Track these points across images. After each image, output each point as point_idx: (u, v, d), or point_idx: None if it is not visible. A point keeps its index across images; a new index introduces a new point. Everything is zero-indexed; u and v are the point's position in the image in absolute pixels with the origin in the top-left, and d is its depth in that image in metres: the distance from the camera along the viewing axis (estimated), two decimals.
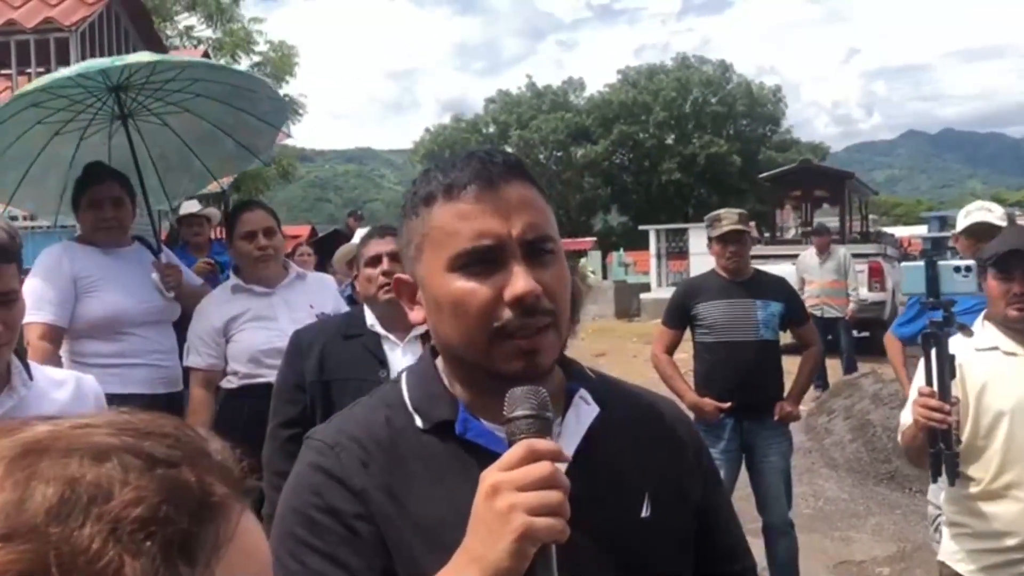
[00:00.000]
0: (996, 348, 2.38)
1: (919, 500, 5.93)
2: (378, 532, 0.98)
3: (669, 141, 40.88)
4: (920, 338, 2.30)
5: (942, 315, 2.25)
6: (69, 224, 3.65)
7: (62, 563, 0.43)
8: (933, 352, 2.24)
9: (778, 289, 4.31)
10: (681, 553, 1.10)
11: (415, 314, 1.08)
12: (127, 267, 3.35)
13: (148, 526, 0.45)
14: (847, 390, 8.30)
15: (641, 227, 20.99)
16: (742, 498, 4.64)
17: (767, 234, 15.52)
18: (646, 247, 19.16)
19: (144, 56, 3.40)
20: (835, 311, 9.43)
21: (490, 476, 0.88)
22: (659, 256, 18.53)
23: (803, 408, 4.82)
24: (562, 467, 0.89)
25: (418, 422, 1.05)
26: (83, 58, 6.56)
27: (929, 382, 2.25)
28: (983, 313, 2.48)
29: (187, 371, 3.35)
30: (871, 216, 19.32)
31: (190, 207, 6.26)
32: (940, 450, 2.26)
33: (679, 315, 4.28)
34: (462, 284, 0.99)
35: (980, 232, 3.63)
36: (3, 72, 7.10)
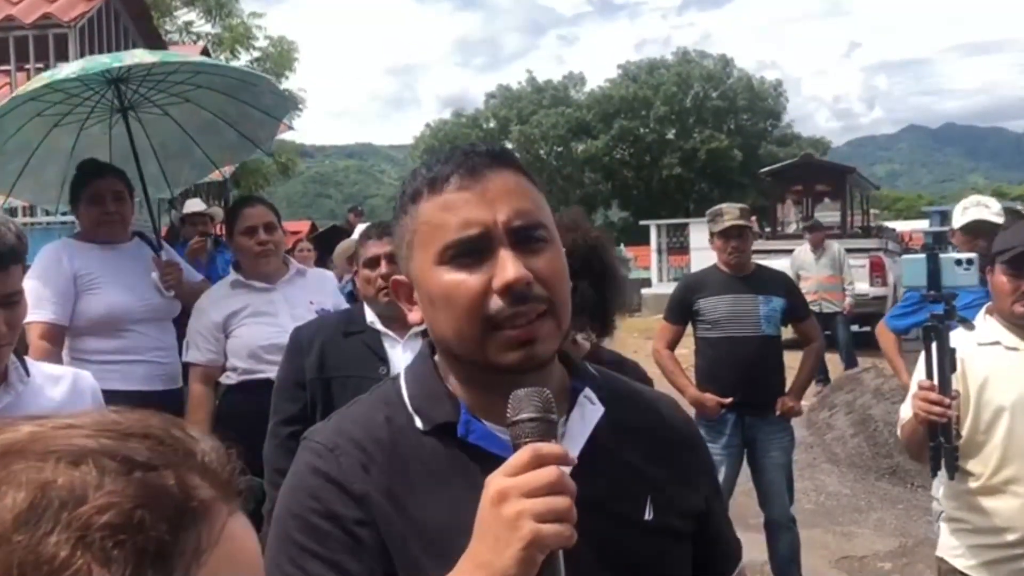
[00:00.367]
0: (998, 343, 2.37)
1: (921, 495, 5.93)
2: (380, 538, 0.96)
3: (670, 136, 40.80)
4: (921, 331, 2.29)
5: (943, 308, 2.24)
6: (69, 220, 3.64)
7: (24, 571, 0.41)
8: (934, 345, 2.23)
9: (780, 284, 4.30)
10: (681, 556, 1.09)
11: (413, 314, 1.06)
12: (127, 264, 3.34)
13: (119, 533, 0.43)
14: (848, 385, 8.30)
15: (642, 222, 20.98)
16: (744, 493, 4.64)
17: (768, 229, 15.51)
18: (647, 242, 19.14)
19: (145, 56, 3.37)
20: (833, 306, 9.45)
21: (496, 482, 0.86)
22: (660, 251, 18.52)
23: (804, 403, 4.82)
24: (566, 470, 0.87)
25: (418, 423, 1.03)
26: (82, 54, 6.54)
27: (929, 375, 2.24)
28: (985, 307, 2.47)
29: (186, 367, 3.34)
30: (872, 211, 19.30)
31: (194, 206, 6.25)
32: (940, 444, 2.25)
33: (681, 310, 4.27)
34: (451, 276, 0.98)
35: (978, 229, 3.63)
36: (2, 68, 7.08)
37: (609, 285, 2.08)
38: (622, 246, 25.48)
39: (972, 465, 2.36)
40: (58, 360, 3.05)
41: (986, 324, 2.41)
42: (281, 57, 19.45)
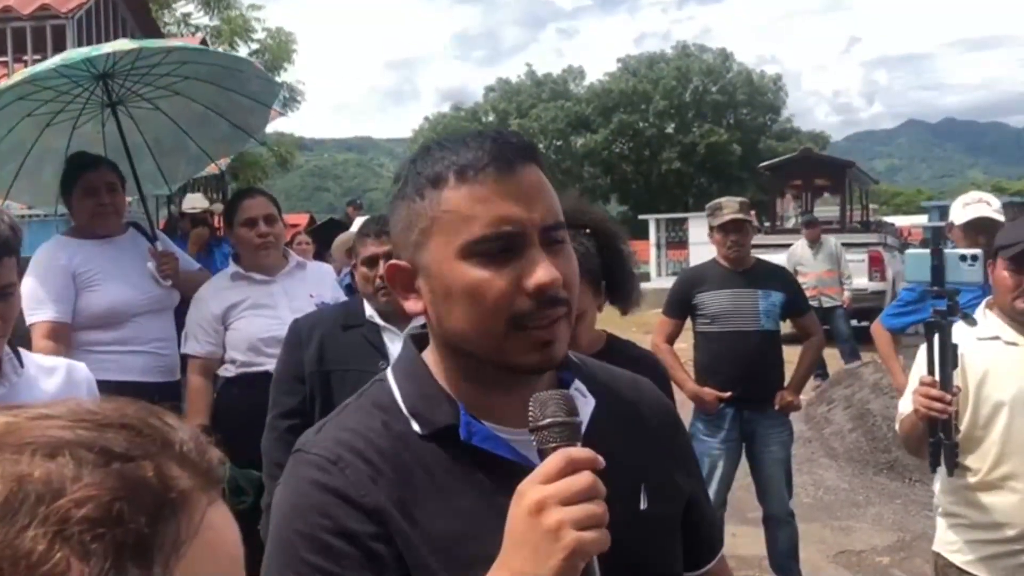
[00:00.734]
0: (998, 338, 2.36)
1: (919, 490, 5.93)
2: (397, 552, 0.92)
3: (669, 130, 40.76)
4: (924, 326, 2.28)
5: (946, 304, 2.23)
6: (65, 212, 3.62)
7: (1, 568, 0.41)
8: (936, 341, 2.22)
9: (779, 279, 4.29)
10: (675, 544, 1.09)
11: (412, 304, 1.00)
12: (124, 257, 3.32)
13: (97, 527, 0.43)
14: (847, 380, 8.30)
15: (641, 216, 20.97)
16: (742, 488, 4.64)
17: (767, 223, 15.50)
18: (646, 237, 19.14)
19: (125, 44, 3.34)
20: (832, 300, 9.46)
21: (532, 491, 0.83)
22: (659, 246, 18.52)
23: (803, 398, 4.81)
24: None
25: (416, 428, 0.98)
26: (80, 46, 6.51)
27: (931, 371, 2.23)
28: (985, 301, 2.46)
29: (185, 358, 3.33)
30: (871, 206, 19.30)
31: (195, 201, 6.24)
32: (939, 439, 2.25)
33: (680, 305, 4.27)
34: (478, 272, 0.93)
35: (979, 227, 3.61)
36: (0, 59, 7.06)
37: (626, 261, 2.24)
38: None
39: (970, 460, 2.36)
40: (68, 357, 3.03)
41: (986, 318, 2.40)
42: (279, 49, 19.41)
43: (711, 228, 4.21)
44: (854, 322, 10.32)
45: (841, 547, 5.17)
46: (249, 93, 3.71)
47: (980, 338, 2.35)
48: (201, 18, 19.02)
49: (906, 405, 2.40)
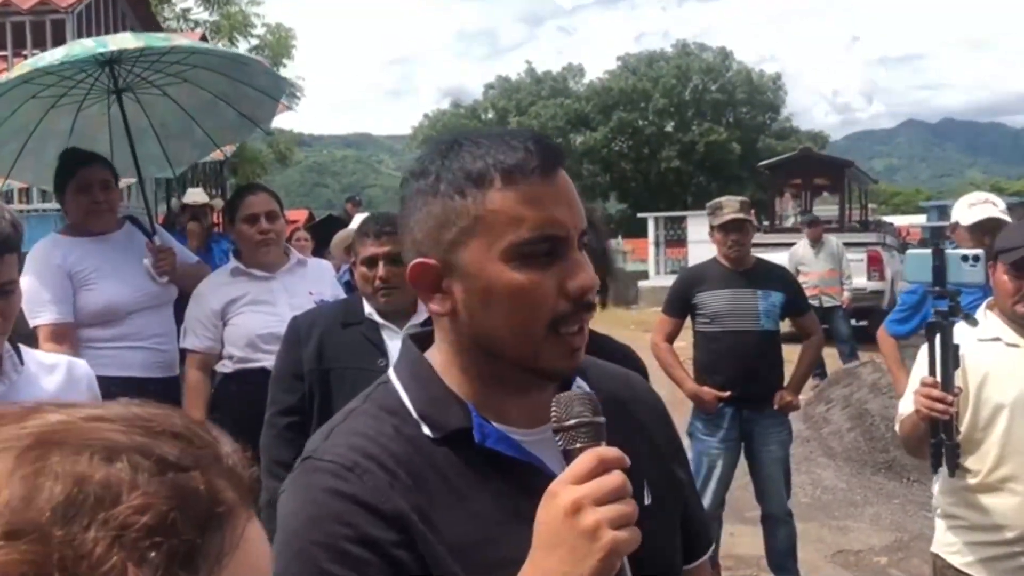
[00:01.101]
0: (998, 339, 2.36)
1: (917, 490, 5.94)
2: (420, 558, 0.91)
3: (668, 128, 40.76)
4: (925, 326, 2.28)
5: (947, 304, 2.22)
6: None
7: (64, 567, 0.41)
8: (937, 341, 2.21)
9: (779, 279, 4.29)
10: (677, 537, 1.10)
11: (436, 304, 0.97)
12: (120, 254, 3.30)
13: (154, 535, 0.43)
14: (845, 379, 8.31)
15: (640, 215, 20.96)
16: (740, 487, 4.64)
17: (766, 222, 15.50)
18: (644, 235, 19.14)
19: (130, 41, 3.31)
20: (833, 300, 9.45)
21: (565, 492, 0.83)
22: (657, 244, 18.52)
23: (801, 397, 4.81)
24: None
25: (426, 431, 0.97)
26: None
27: (932, 371, 2.23)
28: (986, 302, 2.45)
29: (183, 353, 3.32)
30: (870, 205, 19.31)
31: (196, 195, 6.22)
32: (941, 440, 2.24)
33: (680, 304, 4.26)
34: (524, 275, 0.92)
35: (988, 228, 3.57)
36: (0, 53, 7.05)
37: (612, 257, 2.25)
38: (619, 238, 25.50)
39: (970, 462, 2.35)
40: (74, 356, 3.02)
41: (987, 319, 2.39)
42: (279, 45, 19.40)
43: (711, 227, 4.20)
44: (852, 322, 10.33)
45: (839, 547, 5.17)
46: (257, 86, 3.70)
47: (981, 339, 2.35)
48: (201, 13, 19.02)
49: (906, 406, 2.40)
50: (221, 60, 3.64)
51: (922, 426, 2.28)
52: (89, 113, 3.71)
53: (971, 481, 2.36)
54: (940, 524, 2.51)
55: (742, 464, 4.30)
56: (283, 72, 18.53)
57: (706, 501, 4.17)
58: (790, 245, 10.10)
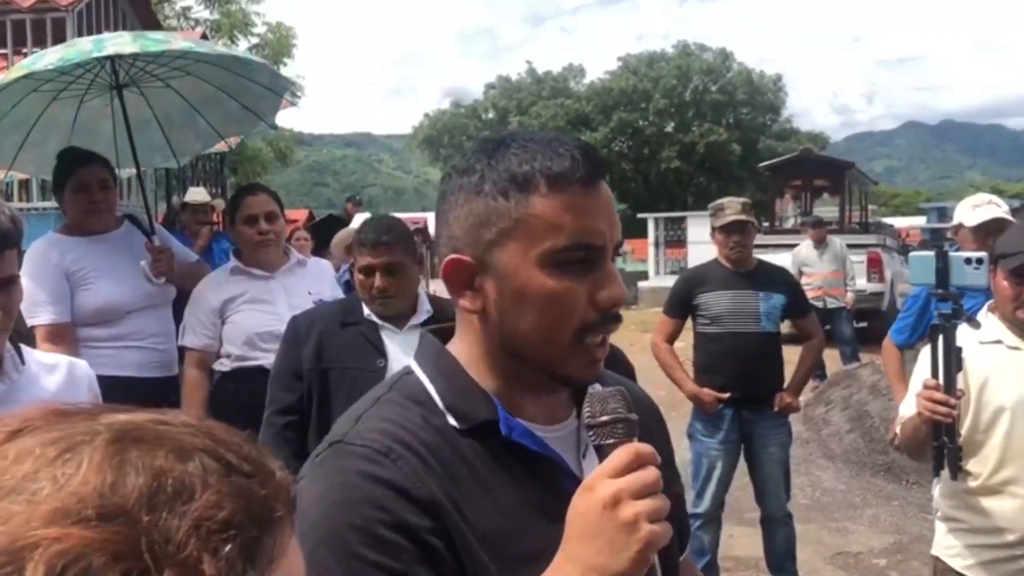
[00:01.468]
0: (1000, 342, 2.35)
1: (916, 492, 5.93)
2: (453, 546, 0.91)
3: (669, 129, 40.75)
4: (928, 329, 2.27)
5: (951, 307, 2.21)
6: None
7: (153, 548, 0.44)
8: (940, 344, 2.21)
9: (781, 281, 4.28)
10: (672, 536, 1.11)
11: (467, 302, 0.98)
12: (117, 254, 3.29)
13: (227, 529, 0.46)
14: (845, 381, 8.30)
15: (639, 215, 20.95)
16: (739, 488, 4.64)
17: (766, 223, 15.50)
18: (644, 235, 19.12)
19: (126, 46, 3.29)
20: (836, 302, 9.43)
21: (603, 485, 0.85)
22: (657, 244, 18.51)
23: (801, 399, 4.81)
24: None
25: (452, 422, 0.98)
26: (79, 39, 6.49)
27: (935, 374, 2.22)
28: (987, 304, 2.45)
29: (182, 351, 3.31)
30: (870, 206, 19.31)
31: (197, 194, 6.21)
32: (943, 443, 2.24)
33: (681, 305, 4.26)
34: (559, 281, 0.94)
35: (993, 229, 3.54)
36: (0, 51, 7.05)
37: None
38: None
39: (971, 465, 2.34)
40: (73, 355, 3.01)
41: (988, 322, 2.39)
42: (279, 44, 19.40)
43: (713, 229, 4.19)
44: (853, 323, 10.32)
45: (838, 548, 5.17)
46: (259, 81, 3.70)
47: (982, 342, 2.34)
48: (201, 12, 19.01)
49: (906, 409, 2.39)
50: (221, 58, 3.64)
51: (923, 429, 2.28)
52: (92, 105, 3.71)
53: (972, 484, 2.36)
54: (941, 527, 2.50)
55: (741, 465, 4.30)
56: (283, 71, 18.53)
57: (705, 502, 4.17)
58: (790, 246, 10.08)
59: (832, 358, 9.32)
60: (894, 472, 6.45)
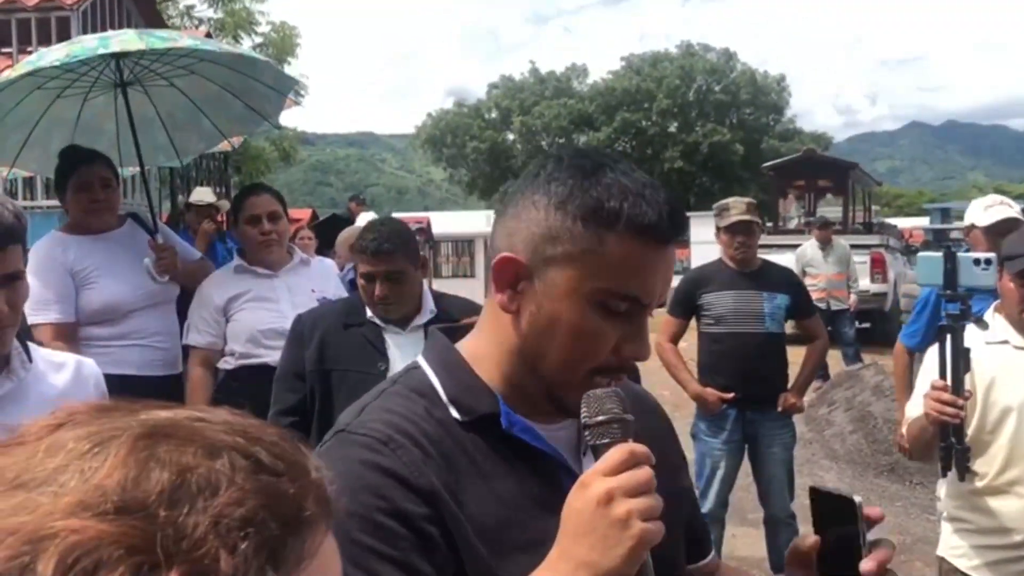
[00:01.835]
0: (1006, 342, 2.35)
1: (919, 492, 5.93)
2: (449, 535, 0.93)
3: (672, 129, 40.71)
4: (936, 329, 2.27)
5: (959, 308, 2.21)
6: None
7: (166, 545, 0.44)
8: (948, 345, 2.21)
9: (785, 282, 4.28)
10: (679, 542, 1.14)
11: (505, 299, 0.99)
12: (121, 252, 3.29)
13: (246, 527, 0.47)
14: (848, 381, 8.29)
15: None
16: (743, 488, 4.63)
17: (769, 224, 15.49)
18: None
19: (131, 44, 3.29)
20: (840, 303, 9.42)
21: (597, 482, 0.86)
22: None
23: (805, 399, 4.80)
24: None
25: (455, 414, 1.00)
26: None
27: (943, 375, 2.22)
28: (994, 305, 2.45)
29: (186, 350, 3.32)
30: (873, 207, 19.29)
31: (203, 195, 6.22)
32: (951, 444, 2.23)
33: (685, 305, 4.26)
34: (595, 320, 0.96)
35: (1006, 229, 3.53)
36: (4, 50, 7.05)
37: None
38: None
39: (977, 465, 2.34)
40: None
41: (995, 322, 2.39)
42: (283, 43, 19.39)
43: (718, 229, 4.19)
44: (856, 324, 10.32)
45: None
46: (264, 80, 3.71)
47: (989, 342, 2.34)
48: (205, 11, 19.02)
49: (912, 410, 2.39)
50: (226, 57, 3.65)
51: (930, 430, 2.28)
52: (95, 103, 3.71)
53: (978, 484, 2.35)
54: (946, 527, 2.50)
55: (745, 466, 4.30)
56: (287, 70, 18.53)
57: (709, 502, 4.17)
58: (793, 247, 10.07)
59: (835, 359, 9.32)
60: (897, 473, 6.44)
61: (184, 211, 6.60)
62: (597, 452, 0.90)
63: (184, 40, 3.40)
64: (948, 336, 2.21)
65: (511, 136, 41.97)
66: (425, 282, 2.82)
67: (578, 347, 0.96)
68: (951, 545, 2.46)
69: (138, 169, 3.86)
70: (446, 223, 25.63)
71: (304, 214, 16.50)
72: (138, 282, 3.27)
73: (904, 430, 2.51)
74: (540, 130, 40.78)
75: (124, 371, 3.08)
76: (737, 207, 4.13)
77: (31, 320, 3.07)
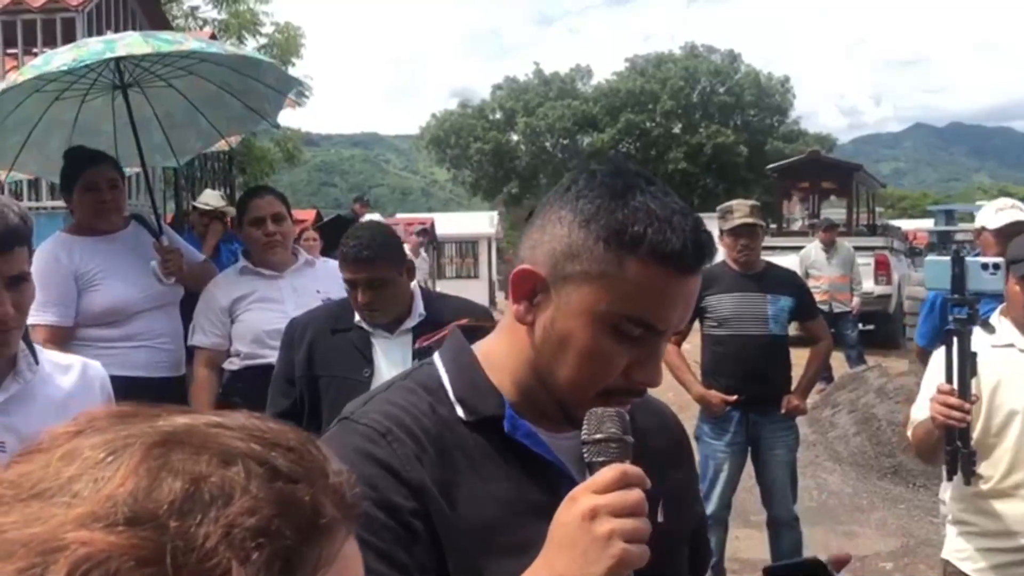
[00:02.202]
0: (1012, 345, 2.35)
1: (923, 495, 5.92)
2: (434, 531, 0.94)
3: (676, 130, 40.69)
4: (943, 334, 2.27)
5: (966, 312, 2.21)
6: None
7: (176, 556, 0.44)
8: (955, 348, 2.20)
9: (789, 284, 4.28)
10: (684, 558, 1.15)
11: (522, 310, 0.99)
12: (125, 254, 3.30)
13: (259, 536, 0.46)
14: (852, 384, 8.29)
15: None
16: (746, 490, 4.63)
17: (773, 225, 15.47)
18: None
19: (137, 47, 3.30)
20: (842, 306, 9.42)
21: (585, 498, 0.86)
22: None
23: (808, 402, 4.80)
24: None
25: (460, 413, 1.01)
26: (89, 39, 6.50)
27: (949, 379, 2.22)
28: (1000, 308, 2.45)
29: (191, 350, 3.33)
30: (877, 209, 19.27)
31: (211, 198, 6.22)
32: (957, 448, 2.23)
33: None
34: (607, 342, 0.95)
35: (1015, 232, 3.53)
36: (10, 52, 7.06)
37: None
38: None
39: (982, 468, 2.34)
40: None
41: (1000, 325, 2.39)
42: (288, 44, 19.39)
43: (721, 231, 4.19)
44: (860, 326, 10.31)
45: (844, 552, 5.16)
46: (266, 81, 3.70)
47: (994, 345, 2.34)
48: (210, 11, 19.03)
49: (919, 412, 2.39)
50: (230, 59, 3.65)
51: (936, 433, 2.27)
52: (93, 104, 3.71)
53: (983, 487, 2.35)
54: (951, 530, 2.50)
55: (748, 468, 4.30)
56: (292, 71, 18.56)
57: (712, 504, 4.16)
58: (797, 248, 10.07)
59: (838, 361, 9.31)
60: (901, 475, 6.44)
61: (189, 213, 6.60)
62: (592, 469, 0.90)
63: (189, 43, 3.40)
64: (955, 340, 2.21)
65: (515, 137, 41.97)
66: (419, 284, 2.81)
67: (587, 367, 0.96)
68: (956, 548, 2.46)
69: (137, 169, 3.86)
70: (450, 224, 25.62)
71: (308, 215, 16.49)
72: (143, 283, 3.28)
73: (909, 431, 2.51)
74: (544, 131, 40.79)
75: (130, 372, 3.09)
76: (740, 210, 4.13)
77: (27, 319, 3.07)
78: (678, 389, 4.37)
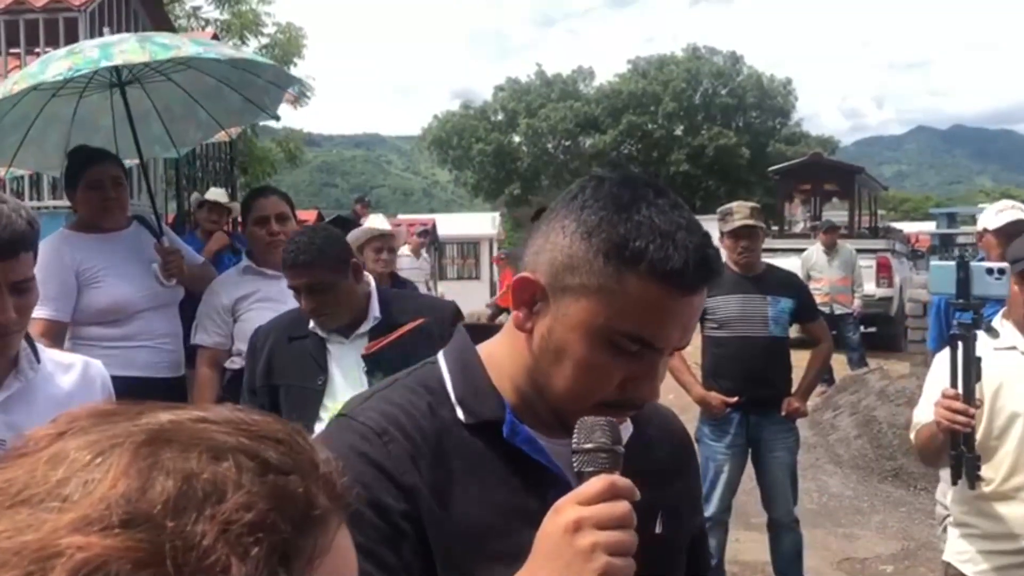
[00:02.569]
0: (1014, 347, 2.35)
1: (923, 498, 5.92)
2: (423, 533, 0.94)
3: (678, 132, 40.68)
4: (948, 338, 2.26)
5: (971, 317, 2.20)
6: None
7: (175, 556, 0.43)
8: (959, 353, 2.20)
9: (789, 285, 4.28)
10: (682, 568, 1.14)
11: (522, 317, 0.98)
12: (128, 253, 3.30)
13: (256, 531, 0.46)
14: (853, 386, 8.28)
15: None
16: (746, 492, 4.63)
17: (775, 227, 15.47)
18: None
19: (133, 56, 3.30)
20: (843, 308, 9.41)
21: (570, 509, 0.85)
22: None
23: (809, 404, 4.81)
24: None
25: (460, 415, 1.00)
26: (92, 39, 6.50)
27: (953, 383, 2.21)
28: (1002, 311, 2.45)
29: (194, 349, 3.33)
30: (879, 211, 19.26)
31: (217, 195, 6.22)
32: (961, 452, 2.23)
33: None
34: (603, 356, 0.94)
35: (1015, 232, 3.55)
36: (12, 51, 7.07)
37: None
38: None
39: (984, 471, 2.33)
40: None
41: (1003, 328, 2.38)
42: (290, 44, 19.40)
43: (721, 233, 4.19)
44: (861, 328, 10.30)
45: (845, 554, 5.16)
46: (265, 76, 3.71)
47: (996, 348, 2.34)
48: (211, 12, 19.04)
49: (923, 415, 2.39)
50: (231, 62, 3.64)
51: (940, 437, 2.27)
52: (91, 99, 3.71)
53: (985, 489, 2.35)
54: (952, 532, 2.50)
55: (749, 470, 4.29)
56: (293, 72, 18.55)
57: (712, 506, 4.16)
58: (799, 250, 10.06)
59: (840, 363, 9.31)
60: (901, 478, 6.43)
61: (195, 209, 6.59)
62: (581, 479, 0.88)
63: (187, 48, 3.40)
64: (959, 344, 2.21)
65: (517, 138, 41.95)
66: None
67: (582, 380, 0.95)
68: (957, 550, 2.45)
69: (137, 160, 3.87)
70: (452, 225, 25.64)
71: (310, 215, 16.49)
72: (144, 283, 3.29)
73: (913, 435, 2.51)
74: (546, 132, 40.78)
75: (131, 372, 3.09)
76: (741, 211, 4.13)
77: None
78: (679, 391, 4.37)
